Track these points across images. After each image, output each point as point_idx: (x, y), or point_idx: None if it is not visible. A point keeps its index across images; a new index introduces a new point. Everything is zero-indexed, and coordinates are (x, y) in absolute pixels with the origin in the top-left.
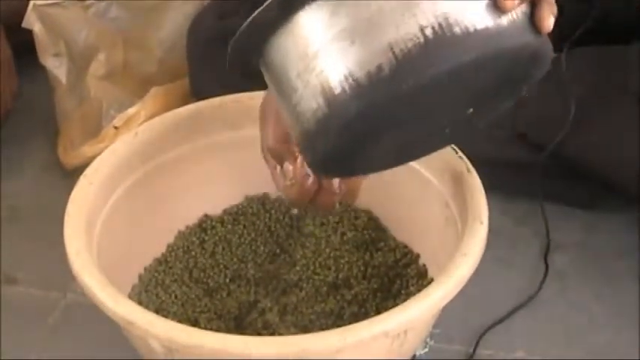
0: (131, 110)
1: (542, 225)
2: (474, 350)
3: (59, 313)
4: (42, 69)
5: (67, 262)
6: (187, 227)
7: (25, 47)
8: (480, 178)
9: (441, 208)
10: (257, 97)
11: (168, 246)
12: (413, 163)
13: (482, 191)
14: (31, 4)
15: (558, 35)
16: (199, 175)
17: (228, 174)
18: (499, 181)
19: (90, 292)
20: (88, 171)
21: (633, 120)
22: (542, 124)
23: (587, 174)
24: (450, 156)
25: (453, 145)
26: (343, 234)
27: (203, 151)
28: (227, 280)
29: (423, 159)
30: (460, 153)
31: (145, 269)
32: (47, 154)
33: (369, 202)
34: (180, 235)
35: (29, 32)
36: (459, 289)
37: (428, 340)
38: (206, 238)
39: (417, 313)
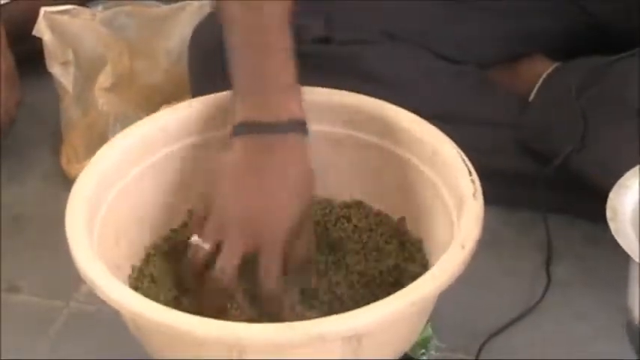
0: None
1: (545, 235)
2: (476, 359)
3: (62, 321)
4: (46, 78)
5: (69, 271)
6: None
7: (28, 56)
8: (483, 188)
9: (449, 227)
10: None
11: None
12: (434, 178)
13: (480, 218)
14: (41, 11)
15: (559, 45)
16: (198, 172)
17: None
18: (502, 191)
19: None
20: (93, 160)
21: (633, 133)
22: (546, 135)
23: (589, 186)
24: (464, 178)
25: (469, 166)
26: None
27: (201, 147)
28: None
29: (441, 175)
30: (474, 176)
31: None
32: (50, 163)
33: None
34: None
35: (33, 41)
36: (412, 309)
37: (433, 351)
38: None
39: (357, 323)
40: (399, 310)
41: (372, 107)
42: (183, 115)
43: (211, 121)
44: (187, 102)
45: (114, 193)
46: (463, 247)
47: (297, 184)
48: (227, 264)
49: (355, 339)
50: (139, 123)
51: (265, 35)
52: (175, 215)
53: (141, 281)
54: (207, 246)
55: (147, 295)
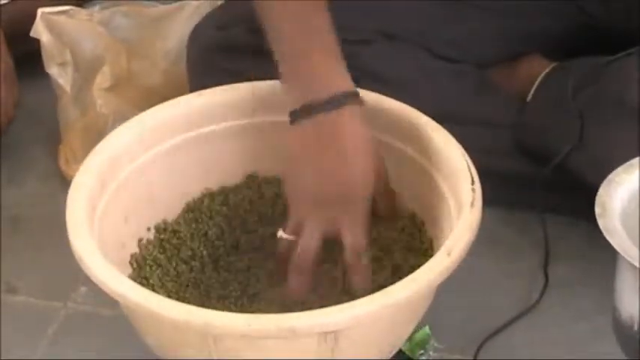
0: None
1: (543, 236)
2: (475, 359)
3: (60, 322)
4: (44, 78)
5: (67, 272)
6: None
7: (26, 56)
8: (482, 188)
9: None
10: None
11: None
12: (442, 183)
13: (473, 229)
14: (39, 12)
15: (558, 45)
16: (200, 161)
17: (231, 154)
18: (500, 191)
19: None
20: (95, 150)
21: (631, 133)
22: (543, 135)
23: (586, 186)
24: (466, 186)
25: (473, 174)
26: None
27: (206, 137)
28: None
29: (447, 181)
30: (476, 185)
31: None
32: (48, 164)
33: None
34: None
35: (31, 41)
36: (386, 311)
37: (431, 352)
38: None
39: (329, 320)
40: (372, 312)
41: (393, 109)
42: (201, 102)
43: (227, 111)
44: (212, 89)
45: (125, 173)
46: (449, 254)
47: (361, 154)
48: (307, 245)
49: (332, 337)
50: (156, 108)
51: (306, 18)
52: (188, 194)
53: (145, 260)
54: (288, 237)
55: (149, 275)
